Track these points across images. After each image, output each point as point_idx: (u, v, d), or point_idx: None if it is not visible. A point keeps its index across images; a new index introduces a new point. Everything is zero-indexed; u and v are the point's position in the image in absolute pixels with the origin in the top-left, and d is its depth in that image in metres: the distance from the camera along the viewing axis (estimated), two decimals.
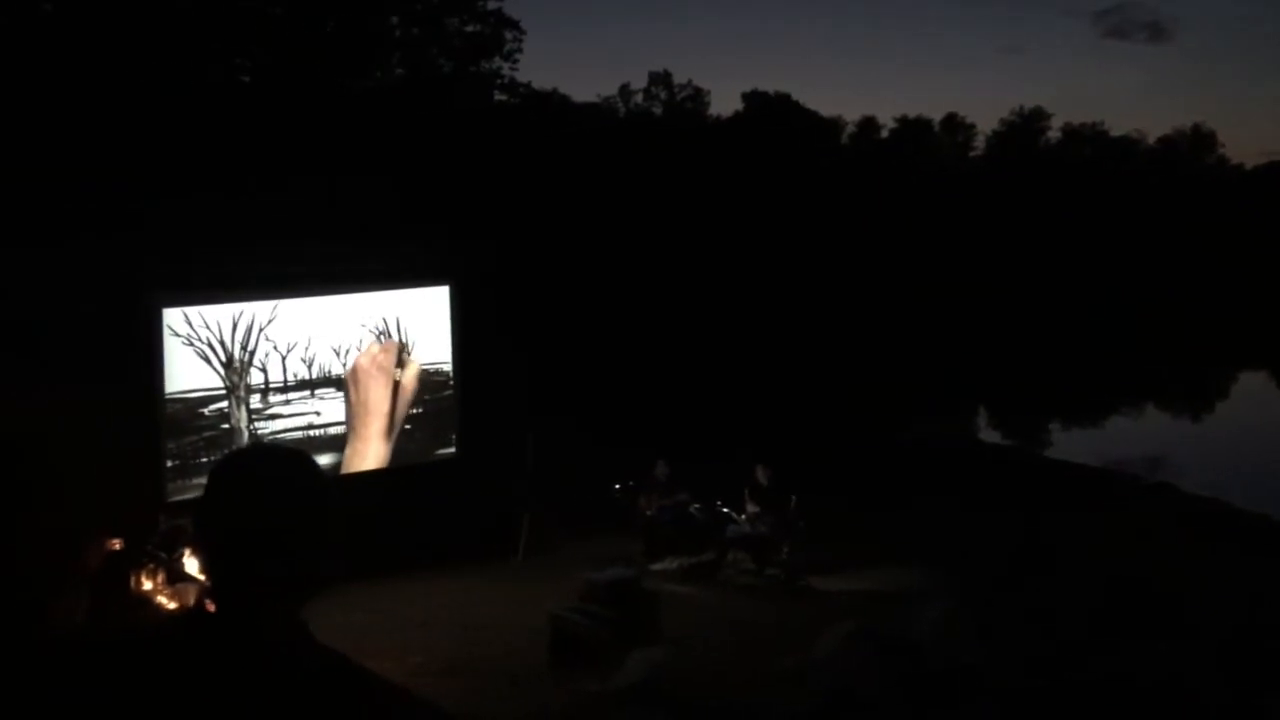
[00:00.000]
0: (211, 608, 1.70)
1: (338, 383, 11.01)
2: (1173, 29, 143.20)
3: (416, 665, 8.05)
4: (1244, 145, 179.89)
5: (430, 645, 8.68)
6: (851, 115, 79.41)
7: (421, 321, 11.51)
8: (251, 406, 10.56)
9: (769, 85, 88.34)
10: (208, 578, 1.72)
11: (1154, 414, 24.89)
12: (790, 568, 10.68)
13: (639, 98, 62.43)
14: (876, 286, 35.83)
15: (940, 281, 38.58)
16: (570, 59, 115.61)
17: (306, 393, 10.86)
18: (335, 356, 10.99)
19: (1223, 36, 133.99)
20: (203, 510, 1.68)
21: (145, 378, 9.91)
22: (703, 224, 35.17)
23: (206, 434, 10.34)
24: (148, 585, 6.00)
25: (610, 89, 70.77)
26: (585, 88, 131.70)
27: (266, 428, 10.63)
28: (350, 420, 11.07)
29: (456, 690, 7.61)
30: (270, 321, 10.58)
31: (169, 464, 10.10)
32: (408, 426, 11.47)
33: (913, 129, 68.79)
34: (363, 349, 11.11)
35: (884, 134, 68.25)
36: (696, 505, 11.51)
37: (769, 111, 59.02)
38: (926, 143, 68.42)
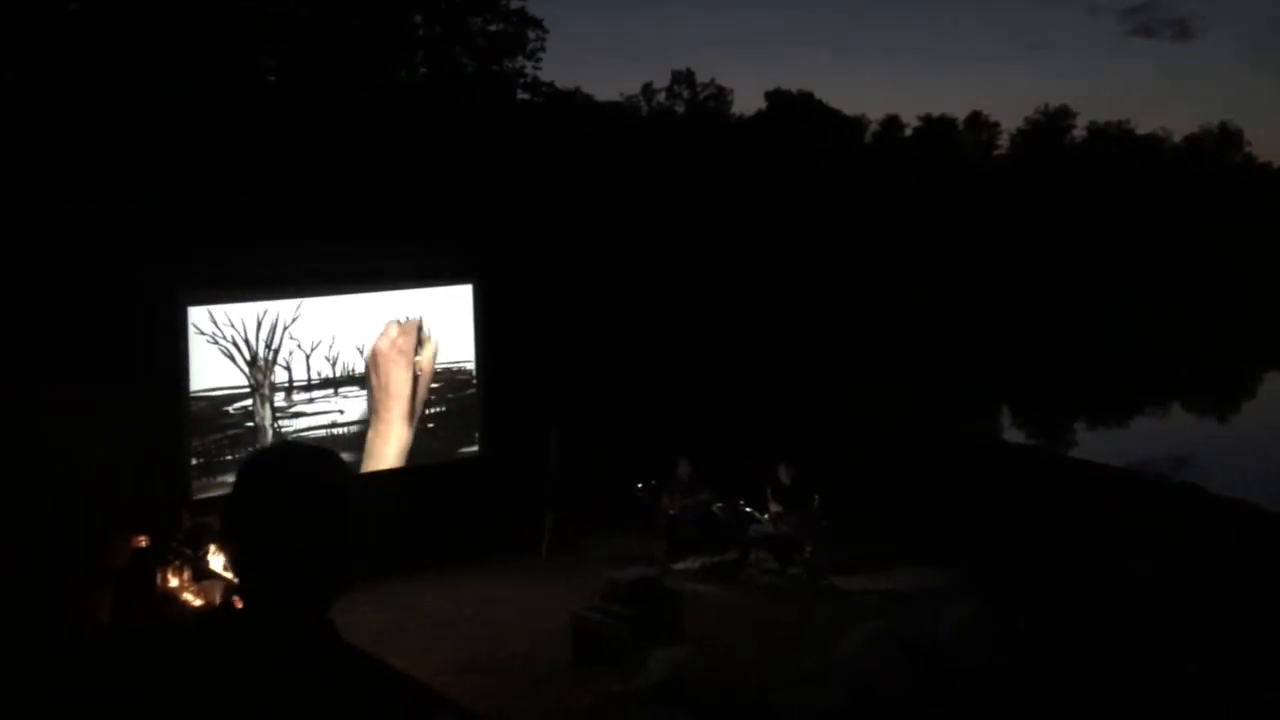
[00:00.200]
0: (239, 605, 1.71)
1: (361, 381, 11.06)
2: (1199, 27, 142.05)
3: (438, 663, 8.07)
4: (1271, 143, 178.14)
5: (452, 643, 8.71)
6: (875, 114, 79.30)
7: (444, 320, 11.55)
8: (275, 404, 10.62)
9: (792, 84, 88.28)
10: (234, 575, 1.72)
11: (1179, 414, 24.69)
12: (813, 567, 10.66)
13: (661, 97, 62.43)
14: (900, 285, 35.70)
15: (964, 280, 38.40)
16: (593, 58, 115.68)
17: (330, 391, 10.91)
18: (358, 355, 11.03)
19: (1250, 34, 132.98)
20: (230, 508, 1.69)
21: (170, 376, 9.98)
22: (725, 223, 35.12)
23: (231, 432, 10.40)
24: (173, 582, 6.05)
25: (633, 88, 70.77)
26: (608, 87, 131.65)
27: (290, 426, 10.68)
28: (372, 404, 11.12)
29: (478, 689, 7.64)
30: (294, 320, 10.64)
31: (193, 462, 10.16)
32: (430, 425, 11.50)
33: (936, 128, 68.49)
34: (382, 333, 11.14)
35: (908, 133, 68.02)
36: (719, 504, 11.49)
37: (792, 110, 58.88)
38: (950, 141, 68.11)
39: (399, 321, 11.24)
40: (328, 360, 10.86)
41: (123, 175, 19.31)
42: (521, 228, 21.86)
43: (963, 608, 8.37)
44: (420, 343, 11.35)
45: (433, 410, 11.54)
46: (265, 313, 10.48)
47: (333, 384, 10.91)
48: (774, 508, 11.12)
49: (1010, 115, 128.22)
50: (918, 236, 43.10)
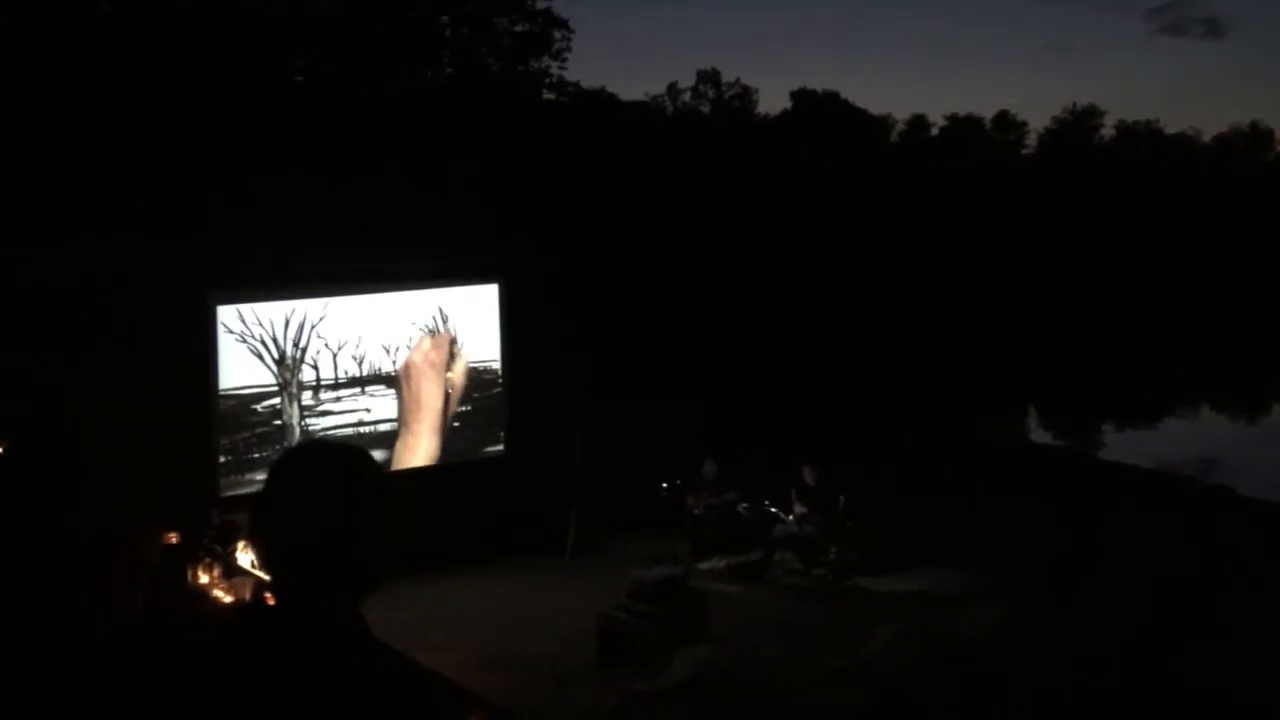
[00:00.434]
0: (271, 601, 1.72)
1: (388, 380, 11.11)
2: (1228, 25, 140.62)
3: (462, 662, 8.09)
4: None
5: (477, 642, 8.73)
6: (901, 113, 78.96)
7: (470, 319, 11.59)
8: (303, 403, 10.69)
9: (817, 83, 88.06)
10: (265, 572, 1.74)
11: (1209, 415, 24.46)
12: (838, 568, 10.62)
13: (687, 96, 62.35)
14: (927, 285, 35.53)
15: (992, 280, 38.18)
16: (618, 57, 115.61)
17: (357, 390, 10.97)
18: (385, 354, 11.09)
19: None
20: (262, 505, 1.70)
21: (200, 374, 10.07)
22: (751, 222, 35.07)
23: (259, 430, 10.48)
24: (204, 579, 6.10)
25: (658, 87, 70.67)
26: (633, 86, 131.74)
27: (318, 424, 10.75)
28: (402, 415, 11.17)
29: (502, 687, 7.64)
30: (321, 319, 10.71)
31: (221, 459, 10.26)
32: (456, 424, 11.55)
33: (963, 127, 68.10)
34: (414, 345, 11.21)
35: (934, 132, 67.68)
36: (744, 505, 11.48)
37: (817, 110, 58.73)
38: (977, 141, 67.71)
39: (432, 335, 11.29)
40: (354, 359, 10.92)
41: (153, 176, 19.48)
42: (547, 227, 21.90)
43: (990, 609, 8.33)
44: (453, 356, 11.40)
45: (461, 409, 11.58)
46: (293, 312, 10.56)
47: (359, 383, 10.97)
48: (799, 508, 11.10)
49: (1038, 115, 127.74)
50: (944, 236, 42.88)
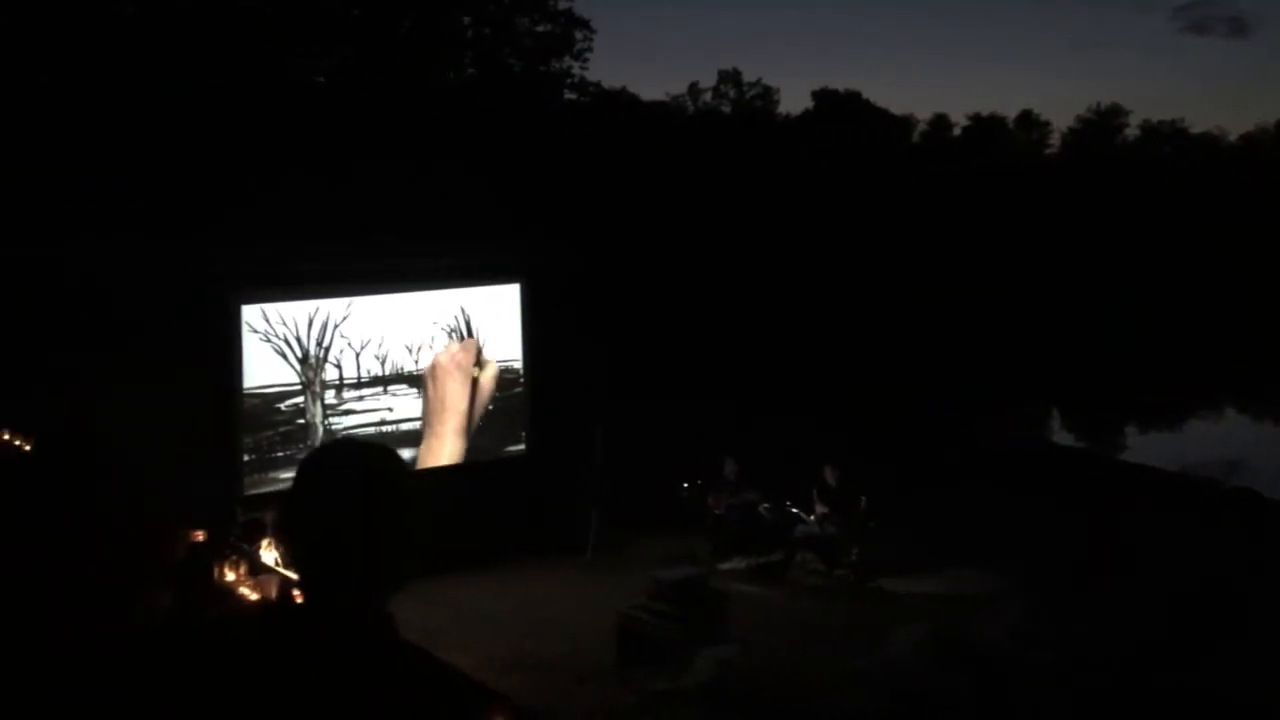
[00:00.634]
0: (299, 599, 1.75)
1: (410, 379, 11.16)
2: (1253, 24, 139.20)
3: (483, 661, 8.11)
4: None
5: (497, 641, 8.76)
6: (923, 113, 78.64)
7: (492, 319, 11.62)
8: (326, 402, 10.75)
9: (839, 83, 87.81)
10: (293, 569, 1.76)
11: (1233, 417, 24.26)
12: (860, 569, 10.60)
13: (708, 96, 62.30)
14: (949, 285, 35.38)
15: (1014, 281, 37.99)
16: (639, 57, 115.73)
17: (379, 389, 11.03)
18: (408, 354, 11.14)
19: None
20: (290, 503, 1.72)
21: (224, 373, 10.15)
22: (772, 222, 35.02)
23: (282, 429, 10.55)
24: (230, 576, 6.15)
25: (679, 87, 70.68)
26: (654, 86, 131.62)
27: (340, 423, 10.80)
28: (427, 416, 11.22)
29: (523, 686, 7.66)
30: (344, 319, 10.76)
31: (246, 458, 10.32)
32: (478, 424, 11.58)
33: (986, 126, 67.81)
34: (442, 347, 11.25)
35: (956, 132, 67.41)
36: (765, 505, 11.46)
37: (839, 109, 58.58)
38: (1000, 141, 67.39)
39: (459, 339, 11.34)
40: (377, 359, 10.97)
41: (180, 178, 19.63)
42: (569, 227, 21.93)
43: (1012, 610, 8.31)
44: (480, 363, 11.44)
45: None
46: (316, 311, 10.62)
47: (382, 382, 11.03)
48: (820, 509, 11.08)
49: (1061, 114, 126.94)
50: (966, 236, 42.69)
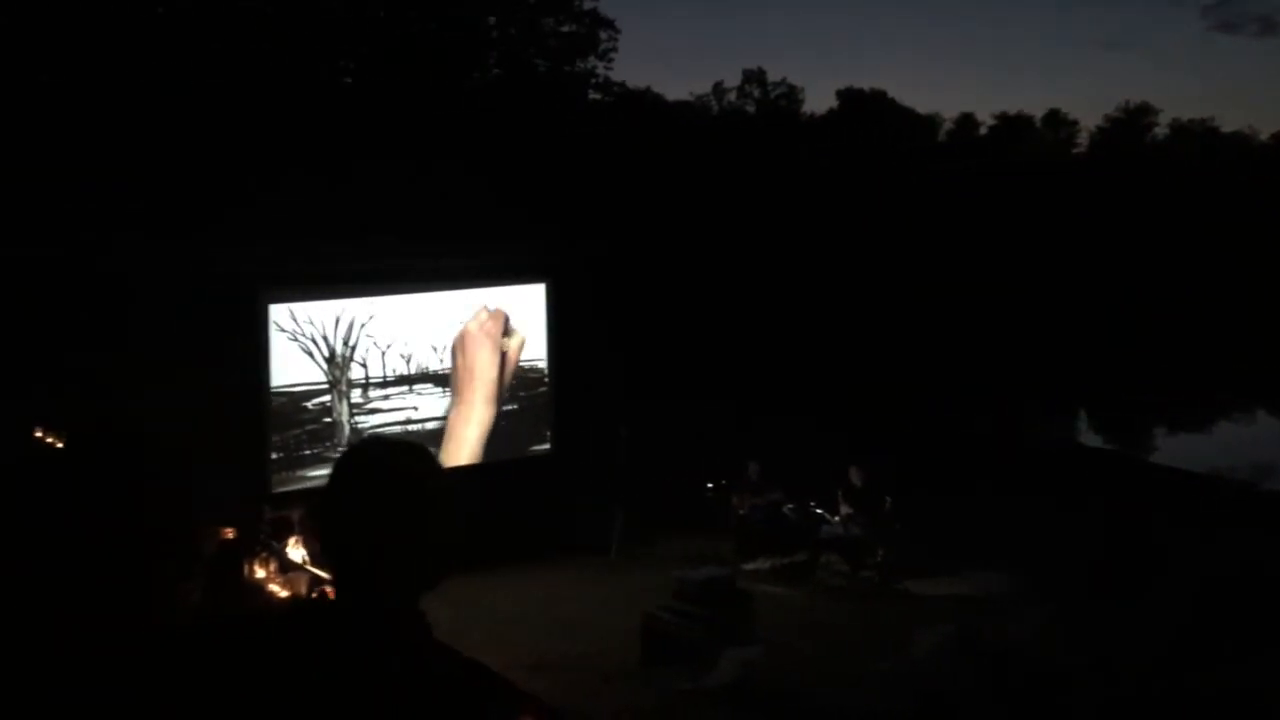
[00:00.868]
0: (331, 596, 1.77)
1: (435, 378, 11.22)
2: None
3: (507, 660, 8.11)
4: None
5: (522, 640, 8.77)
6: (949, 112, 78.09)
7: (518, 318, 11.66)
8: (352, 401, 10.82)
9: (864, 82, 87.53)
10: (325, 567, 1.78)
11: (1265, 420, 24.01)
12: (885, 570, 10.57)
13: (732, 96, 62.15)
14: (976, 284, 35.19)
15: (1042, 281, 37.75)
16: (664, 58, 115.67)
17: (405, 388, 11.09)
18: (433, 353, 11.20)
19: None
20: (325, 501, 1.74)
21: (252, 372, 10.23)
22: (796, 221, 34.94)
23: (309, 427, 10.63)
24: (260, 574, 6.21)
25: (704, 87, 70.52)
26: (678, 86, 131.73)
27: (366, 422, 10.87)
28: (455, 384, 11.28)
29: (547, 686, 7.66)
30: (371, 318, 10.83)
31: (273, 456, 10.41)
32: (503, 423, 11.61)
33: (1013, 125, 67.33)
34: (472, 316, 11.30)
35: (983, 131, 66.98)
36: (790, 505, 11.45)
37: (864, 109, 58.34)
38: (1027, 140, 66.92)
39: (488, 307, 11.41)
40: (403, 358, 11.04)
41: (209, 179, 19.79)
42: (594, 228, 21.96)
43: (1037, 613, 8.26)
44: (508, 331, 11.51)
45: (506, 408, 11.66)
46: (343, 311, 10.69)
47: (408, 381, 11.09)
48: (845, 509, 11.06)
49: (1090, 113, 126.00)
50: (993, 235, 42.45)
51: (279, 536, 7.68)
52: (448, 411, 11.29)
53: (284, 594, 6.08)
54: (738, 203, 33.52)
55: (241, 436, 10.09)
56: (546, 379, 11.93)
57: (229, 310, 10.16)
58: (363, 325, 10.79)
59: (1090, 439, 21.80)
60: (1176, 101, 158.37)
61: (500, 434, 11.59)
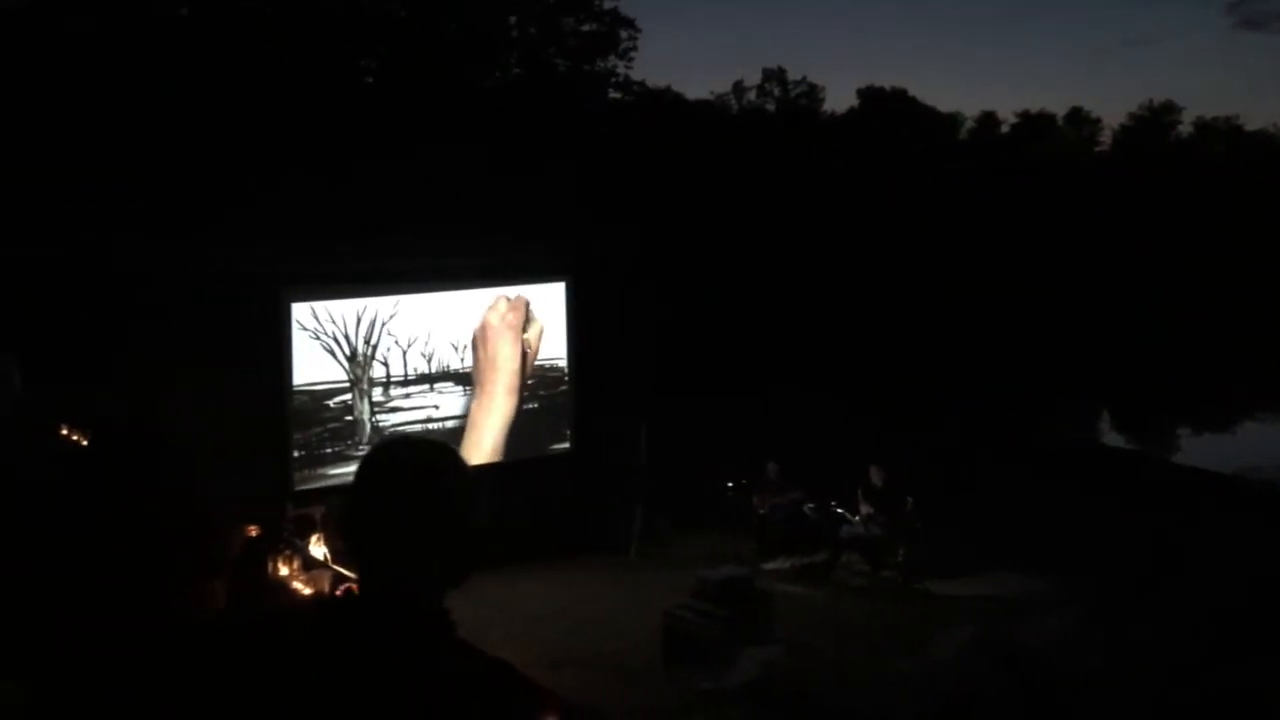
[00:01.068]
0: (356, 593, 1.77)
1: (456, 376, 11.25)
2: None
3: (528, 659, 8.13)
4: None
5: (543, 638, 8.78)
6: (971, 110, 77.76)
7: (538, 316, 11.68)
8: (374, 399, 10.86)
9: (885, 80, 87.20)
10: (351, 565, 1.78)
11: None
12: (906, 571, 10.53)
13: (752, 94, 62.04)
14: (998, 283, 35.03)
15: (1064, 280, 37.55)
16: (683, 56, 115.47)
17: (426, 387, 11.12)
18: (454, 351, 11.23)
19: None
20: (352, 499, 1.74)
21: (275, 370, 10.28)
22: (816, 220, 34.86)
23: (330, 425, 10.67)
24: (284, 571, 6.24)
25: (724, 86, 70.42)
26: (699, 85, 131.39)
27: (387, 420, 10.91)
28: (477, 375, 11.32)
29: (568, 684, 7.68)
30: (392, 316, 10.87)
31: (295, 454, 10.45)
32: (523, 421, 11.63)
33: (1035, 124, 66.96)
34: (490, 306, 11.32)
35: (1004, 129, 66.63)
36: (810, 505, 11.42)
37: (885, 107, 58.11)
38: (1050, 138, 66.53)
39: (508, 298, 11.43)
40: (423, 356, 11.07)
41: (232, 178, 19.90)
42: (614, 226, 21.95)
43: (1063, 614, 8.21)
44: (528, 320, 11.53)
45: (527, 407, 11.68)
46: (364, 309, 10.73)
47: (428, 379, 11.12)
48: (865, 509, 11.02)
49: (1113, 111, 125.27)
50: (1014, 234, 42.25)
51: (301, 534, 7.71)
52: (468, 408, 11.33)
53: (307, 591, 6.10)
54: (757, 202, 33.46)
55: (263, 435, 10.14)
56: (566, 377, 11.95)
57: (251, 309, 10.20)
58: (384, 324, 10.83)
59: (1113, 439, 21.68)
60: (1201, 99, 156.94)
61: (520, 432, 11.61)
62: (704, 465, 12.09)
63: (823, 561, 10.86)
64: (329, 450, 10.57)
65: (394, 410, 10.97)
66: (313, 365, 10.51)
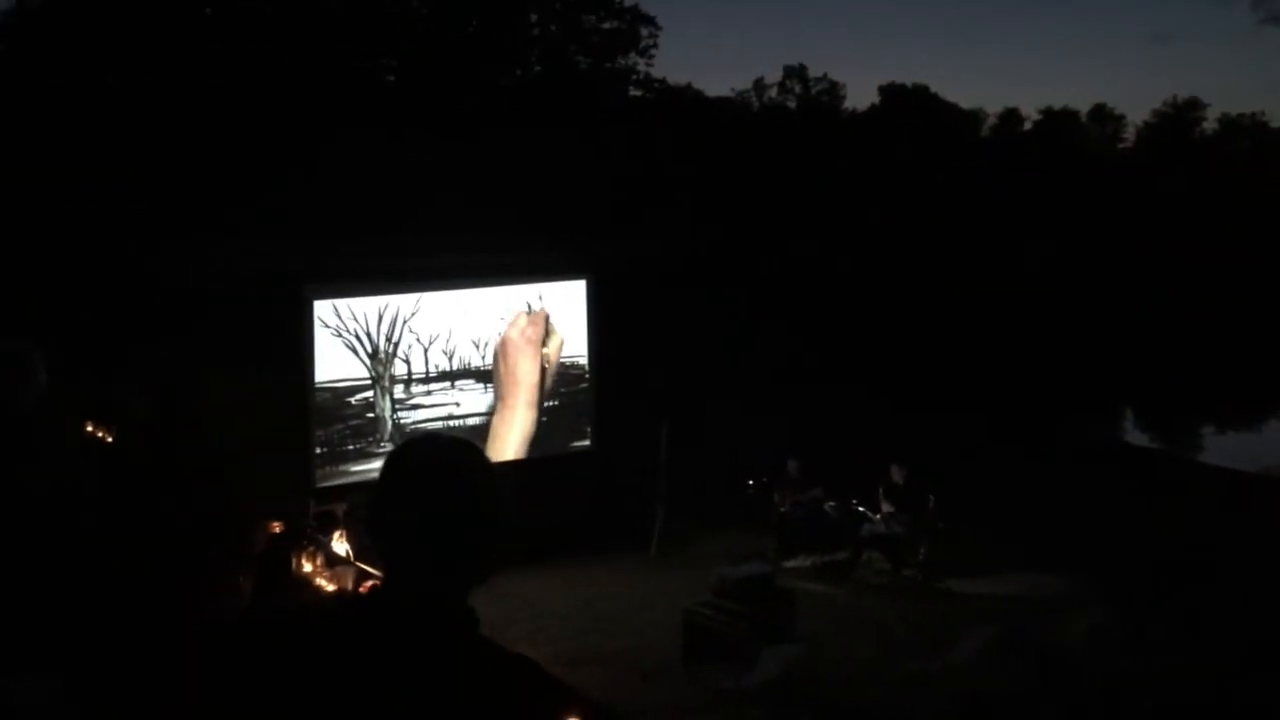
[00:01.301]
0: (381, 589, 1.77)
1: (477, 374, 11.27)
2: None
3: (548, 656, 8.13)
4: None
5: (563, 636, 8.79)
6: (993, 107, 77.20)
7: (559, 315, 11.69)
8: (395, 396, 10.89)
9: (906, 77, 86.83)
10: (378, 562, 1.78)
11: None
12: (928, 569, 10.49)
13: (773, 92, 61.93)
14: (1021, 281, 34.84)
15: (1087, 277, 37.31)
16: (704, 54, 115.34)
17: (447, 384, 11.14)
18: (475, 349, 11.25)
19: None
20: (377, 497, 1.74)
21: (297, 367, 10.32)
22: (838, 218, 34.76)
23: (352, 423, 10.70)
24: (308, 567, 6.27)
25: (745, 83, 70.33)
26: (719, 82, 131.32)
27: (409, 418, 10.94)
28: (499, 391, 11.34)
29: (589, 682, 7.68)
30: (413, 314, 10.89)
31: (317, 451, 10.49)
32: (544, 419, 11.65)
33: (1058, 120, 66.55)
34: (511, 322, 11.35)
35: (1027, 126, 66.26)
36: (831, 503, 11.39)
37: (906, 104, 57.89)
38: (1073, 135, 66.11)
39: (528, 311, 11.45)
40: (445, 354, 11.09)
41: (255, 178, 20.00)
42: (635, 223, 21.96)
43: (1087, 613, 8.16)
44: (548, 333, 11.55)
45: (547, 404, 11.69)
46: (386, 307, 10.76)
47: (449, 377, 11.14)
48: (886, 507, 10.98)
49: (1137, 108, 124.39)
50: (1037, 232, 42.01)
51: (324, 530, 7.74)
52: (490, 409, 11.35)
53: (331, 588, 6.13)
54: (778, 198, 33.39)
55: (286, 431, 10.19)
56: (587, 375, 11.95)
57: (273, 307, 10.26)
58: (405, 321, 10.86)
59: (1136, 438, 21.53)
60: (1225, 95, 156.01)
61: (541, 431, 11.63)
62: (725, 463, 12.07)
63: (844, 560, 10.83)
64: (351, 447, 10.60)
65: (415, 407, 11.00)
66: (335, 362, 10.54)
